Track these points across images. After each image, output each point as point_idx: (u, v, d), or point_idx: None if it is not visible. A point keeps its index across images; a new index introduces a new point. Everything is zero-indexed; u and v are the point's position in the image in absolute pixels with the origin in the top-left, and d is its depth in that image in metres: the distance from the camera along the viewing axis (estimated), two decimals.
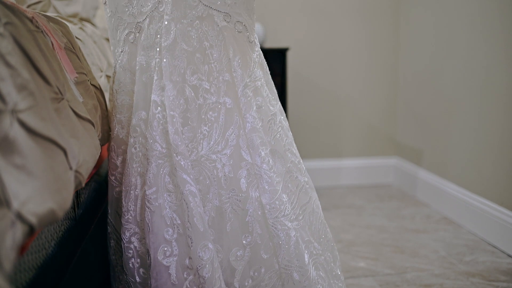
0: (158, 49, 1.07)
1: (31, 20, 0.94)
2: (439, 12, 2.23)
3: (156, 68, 1.06)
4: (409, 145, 2.58)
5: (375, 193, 2.58)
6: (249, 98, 1.08)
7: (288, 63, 2.55)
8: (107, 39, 1.75)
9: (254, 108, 1.08)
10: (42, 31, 0.97)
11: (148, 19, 1.08)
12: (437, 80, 2.26)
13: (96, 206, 1.27)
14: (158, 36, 1.07)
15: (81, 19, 1.81)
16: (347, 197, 2.50)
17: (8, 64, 0.68)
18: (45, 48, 0.90)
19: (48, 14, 1.11)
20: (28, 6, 1.78)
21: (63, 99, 0.88)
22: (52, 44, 1.01)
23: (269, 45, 2.53)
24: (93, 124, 1.00)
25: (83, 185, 0.86)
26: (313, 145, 2.67)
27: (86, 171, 0.87)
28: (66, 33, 1.13)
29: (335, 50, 2.62)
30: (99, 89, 1.23)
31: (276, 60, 2.25)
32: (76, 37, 1.29)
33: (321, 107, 2.64)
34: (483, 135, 1.92)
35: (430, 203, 2.32)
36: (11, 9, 0.87)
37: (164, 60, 1.05)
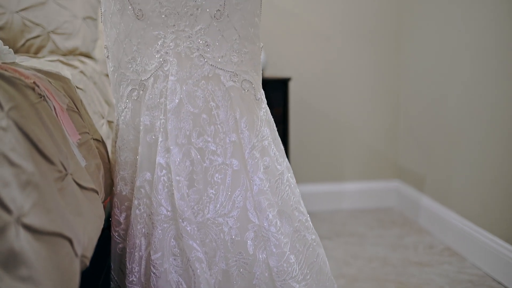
0: (163, 109, 1.04)
1: (33, 88, 0.91)
2: (442, 38, 2.21)
3: (161, 130, 1.04)
4: (411, 169, 2.56)
5: (377, 218, 2.56)
6: (256, 160, 1.05)
7: (290, 87, 2.52)
8: (107, 75, 1.72)
9: (262, 169, 1.06)
10: (44, 97, 0.94)
11: (152, 78, 1.06)
12: (440, 107, 2.24)
13: (101, 262, 1.25)
14: (163, 97, 1.04)
15: (81, 54, 1.78)
16: (349, 223, 2.48)
17: (12, 163, 0.65)
18: (47, 120, 0.88)
19: (49, 69, 1.08)
20: (27, 41, 1.76)
21: (67, 174, 0.86)
22: (55, 109, 0.98)
23: (270, 71, 2.51)
24: (97, 192, 0.97)
25: (88, 264, 0.84)
26: (314, 169, 2.65)
27: (91, 250, 0.85)
28: (68, 89, 1.11)
29: (336, 75, 2.59)
30: (101, 141, 1.21)
31: (278, 90, 2.23)
32: (77, 87, 1.26)
33: (322, 130, 2.62)
34: (488, 167, 1.90)
35: (433, 231, 2.30)
36: (12, 82, 0.84)
37: (170, 123, 1.02)
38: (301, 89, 2.57)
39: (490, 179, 1.89)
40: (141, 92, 1.08)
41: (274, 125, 1.14)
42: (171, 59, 1.03)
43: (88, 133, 1.08)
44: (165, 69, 1.04)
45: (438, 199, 2.28)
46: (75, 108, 1.07)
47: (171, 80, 1.02)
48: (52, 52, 1.76)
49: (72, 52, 1.77)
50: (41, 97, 0.92)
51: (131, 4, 1.05)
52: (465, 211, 2.06)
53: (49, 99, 0.98)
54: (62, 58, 1.48)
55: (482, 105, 1.92)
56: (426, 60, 2.36)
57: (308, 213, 2.59)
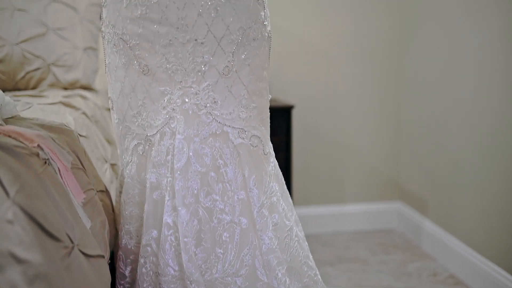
0: (169, 167, 1.02)
1: (37, 154, 0.89)
2: (446, 60, 2.20)
3: (168, 188, 1.02)
4: (413, 191, 2.55)
5: (379, 241, 2.54)
6: (265, 218, 1.03)
7: (292, 112, 2.50)
8: (108, 110, 1.69)
9: (271, 227, 1.04)
10: (48, 160, 0.92)
11: (159, 134, 1.04)
12: (442, 130, 2.23)
13: None
14: (170, 154, 1.02)
15: (82, 86, 1.76)
16: (351, 247, 2.47)
17: (19, 261, 0.63)
18: (53, 189, 0.86)
19: (51, 123, 1.06)
20: (27, 73, 1.73)
21: (73, 247, 0.84)
22: (59, 170, 0.96)
23: (272, 94, 2.48)
24: (103, 256, 0.95)
25: None
26: (316, 191, 2.63)
27: None
28: (72, 142, 1.09)
29: (338, 96, 2.58)
30: (105, 191, 1.19)
31: (281, 117, 2.20)
32: (80, 135, 1.24)
33: (323, 152, 2.60)
34: (492, 195, 1.89)
35: (436, 257, 2.29)
36: (16, 153, 0.82)
37: (177, 183, 1.00)
38: (303, 111, 2.55)
39: (495, 208, 1.87)
40: (147, 147, 1.06)
41: (282, 178, 1.12)
42: (178, 116, 1.01)
43: (93, 188, 1.06)
44: (172, 126, 1.02)
45: (442, 225, 2.27)
46: (79, 164, 1.05)
47: (179, 139, 1.00)
48: (52, 85, 1.73)
49: (72, 85, 1.74)
50: (45, 162, 0.90)
51: (137, 59, 1.03)
52: (469, 239, 2.04)
53: (54, 161, 0.96)
54: (63, 98, 1.45)
55: (486, 130, 1.91)
56: (429, 82, 2.34)
57: (310, 236, 2.58)
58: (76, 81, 1.74)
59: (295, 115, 2.53)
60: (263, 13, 1.06)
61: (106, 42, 1.08)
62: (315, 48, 2.53)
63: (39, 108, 1.25)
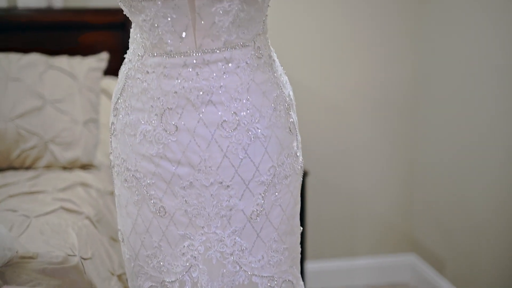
0: None
1: None
2: (461, 110, 2.08)
3: None
4: (427, 244, 2.44)
5: None
6: None
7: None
8: (111, 193, 1.56)
9: None
10: None
11: (178, 283, 0.91)
12: (461, 186, 2.11)
13: None
14: None
15: (82, 166, 1.62)
16: None
17: None
18: None
19: (54, 259, 0.94)
20: (23, 152, 1.60)
21: None
22: None
23: None
24: None
25: None
26: (327, 244, 2.52)
27: None
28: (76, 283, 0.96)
29: (349, 147, 2.46)
30: None
31: None
32: (84, 258, 1.10)
33: (335, 204, 2.49)
34: None
35: None
36: None
37: None
38: (315, 163, 2.43)
39: None
40: None
41: None
42: (200, 266, 0.89)
43: None
44: (193, 275, 0.89)
45: (460, 287, 2.16)
46: None
47: None
48: (49, 166, 1.60)
49: (72, 164, 1.61)
50: None
51: (152, 199, 0.90)
52: None
53: None
54: (62, 198, 1.31)
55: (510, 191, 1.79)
56: (445, 134, 2.23)
57: None
58: (76, 160, 1.61)
59: (307, 167, 2.41)
60: (295, 144, 0.94)
61: (116, 174, 0.95)
62: (327, 99, 2.42)
63: (38, 228, 1.11)
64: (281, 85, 0.93)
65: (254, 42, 0.88)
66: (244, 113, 0.86)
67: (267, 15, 0.90)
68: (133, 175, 0.90)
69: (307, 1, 2.34)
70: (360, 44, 2.41)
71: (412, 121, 2.49)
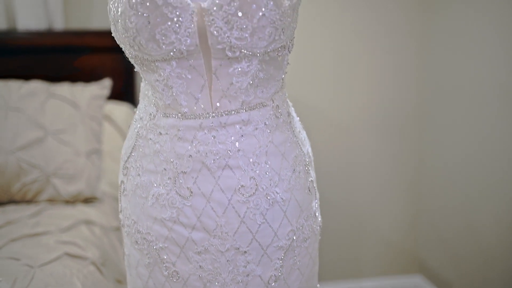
0: None
1: None
2: (467, 133, 2.04)
3: None
4: (434, 266, 2.40)
5: None
6: None
7: None
8: (117, 229, 1.51)
9: None
10: None
11: None
12: (468, 207, 2.07)
13: None
14: None
15: (85, 199, 1.57)
16: None
17: None
18: None
19: None
20: (24, 186, 1.55)
21: None
22: None
23: None
24: None
25: None
26: (333, 266, 2.47)
27: None
28: None
29: (353, 167, 2.42)
30: None
31: None
32: None
33: (340, 225, 2.45)
34: None
35: None
36: None
37: None
38: (318, 182, 2.39)
39: None
40: None
41: None
42: None
43: None
44: None
45: None
46: None
47: None
48: (52, 200, 1.55)
49: (75, 198, 1.56)
50: None
51: (164, 263, 0.85)
52: None
53: None
54: (65, 242, 1.26)
55: None
56: (449, 154, 2.19)
57: None
58: (78, 194, 1.56)
59: None
60: (314, 203, 0.89)
61: (126, 234, 0.91)
62: (332, 118, 2.38)
63: (43, 282, 1.06)
64: (300, 143, 0.88)
65: (273, 100, 0.83)
66: (263, 177, 0.81)
67: (286, 72, 0.86)
68: (144, 238, 0.86)
69: (315, 22, 2.30)
70: (366, 63, 2.37)
71: (417, 141, 2.45)
